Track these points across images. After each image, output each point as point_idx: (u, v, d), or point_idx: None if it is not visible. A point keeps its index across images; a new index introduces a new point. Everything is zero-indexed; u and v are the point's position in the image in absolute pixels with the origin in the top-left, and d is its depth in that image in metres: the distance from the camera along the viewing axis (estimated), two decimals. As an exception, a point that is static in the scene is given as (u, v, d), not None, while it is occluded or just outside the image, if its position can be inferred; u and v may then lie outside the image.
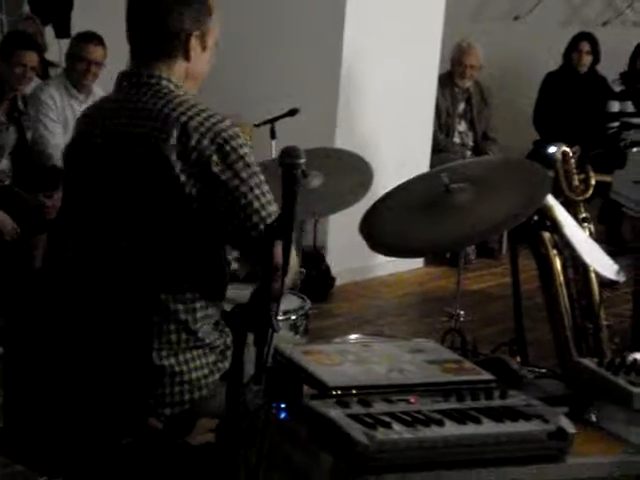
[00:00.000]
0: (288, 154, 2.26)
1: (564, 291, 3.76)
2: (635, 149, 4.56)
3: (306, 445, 2.17)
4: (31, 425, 2.43)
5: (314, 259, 5.86)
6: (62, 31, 6.48)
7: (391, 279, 6.43)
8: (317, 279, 5.82)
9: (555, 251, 3.69)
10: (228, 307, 2.56)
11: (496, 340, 4.41)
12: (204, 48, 2.57)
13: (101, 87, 5.57)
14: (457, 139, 7.17)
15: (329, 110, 6.08)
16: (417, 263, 6.66)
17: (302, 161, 2.27)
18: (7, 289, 4.61)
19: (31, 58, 5.18)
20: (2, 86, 5.12)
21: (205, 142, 2.41)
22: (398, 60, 6.28)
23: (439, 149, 6.91)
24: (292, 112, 5.59)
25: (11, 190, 5.02)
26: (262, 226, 2.41)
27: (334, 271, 6.06)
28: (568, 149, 3.85)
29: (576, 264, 3.79)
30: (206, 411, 2.60)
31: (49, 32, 6.49)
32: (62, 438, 2.38)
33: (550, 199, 3.42)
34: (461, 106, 7.19)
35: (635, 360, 2.41)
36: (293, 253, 2.33)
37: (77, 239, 2.60)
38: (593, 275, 3.77)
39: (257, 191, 2.44)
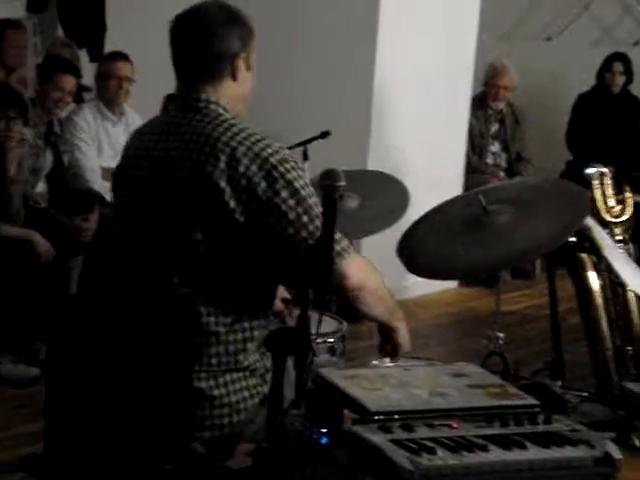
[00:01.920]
0: (328, 176, 2.26)
1: (603, 313, 3.73)
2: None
3: (348, 470, 2.15)
4: (72, 452, 2.42)
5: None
6: (96, 55, 6.54)
7: (424, 300, 6.38)
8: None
9: (593, 272, 3.66)
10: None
11: (532, 362, 4.38)
12: (248, 68, 2.58)
13: (133, 108, 5.61)
14: (490, 160, 7.14)
15: (362, 132, 6.07)
16: (450, 284, 6.62)
17: (342, 184, 2.27)
18: (43, 312, 4.64)
19: (70, 82, 5.22)
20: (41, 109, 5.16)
21: (254, 168, 2.42)
22: (431, 81, 6.27)
23: (472, 170, 6.88)
24: (324, 134, 5.58)
25: (47, 213, 5.04)
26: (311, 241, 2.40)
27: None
28: (606, 170, 3.83)
29: (614, 286, 3.76)
30: (245, 435, 2.60)
31: (83, 56, 6.55)
32: (104, 464, 2.37)
33: (589, 220, 3.40)
34: (494, 127, 7.16)
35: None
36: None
37: (122, 263, 2.60)
38: (632, 297, 3.74)
39: (305, 218, 2.42)
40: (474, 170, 6.91)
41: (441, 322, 6.10)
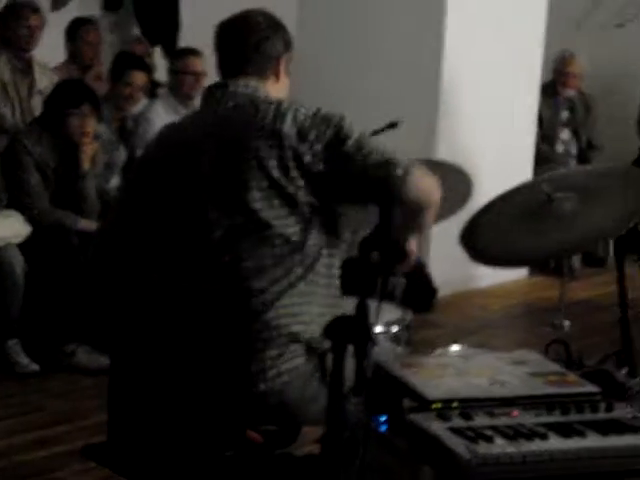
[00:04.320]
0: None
1: (674, 300, 3.68)
2: None
3: (406, 458, 2.17)
4: (135, 438, 2.47)
5: (415, 270, 5.83)
6: (170, 51, 6.61)
7: (494, 290, 6.35)
8: (419, 290, 5.78)
9: (663, 259, 3.61)
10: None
11: (602, 350, 4.34)
12: (287, 73, 2.72)
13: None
14: (560, 148, 7.07)
15: (430, 122, 6.05)
16: (521, 273, 6.57)
17: (399, 173, 2.29)
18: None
19: (140, 78, 5.30)
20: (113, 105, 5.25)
21: (317, 121, 2.51)
22: (499, 69, 6.23)
23: (542, 159, 6.82)
24: (392, 125, 5.56)
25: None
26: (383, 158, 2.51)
27: (436, 282, 6.01)
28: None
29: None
30: (307, 417, 2.61)
31: (157, 53, 6.64)
32: (165, 450, 2.42)
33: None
34: (564, 115, 7.09)
35: None
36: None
37: (165, 252, 2.62)
38: None
39: (373, 144, 2.56)
40: (544, 159, 6.84)
41: (512, 312, 6.07)
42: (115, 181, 5.23)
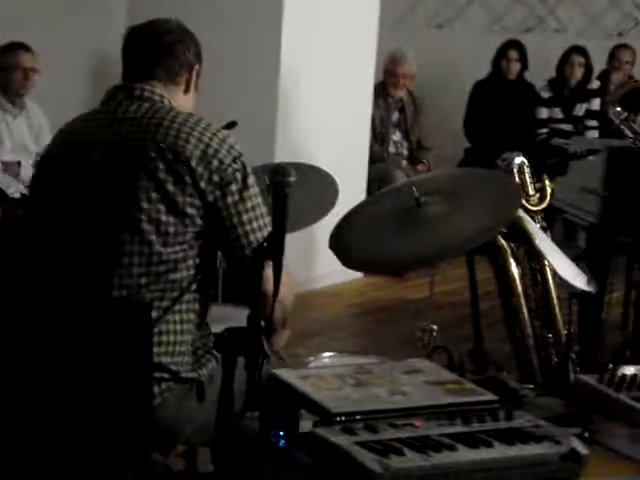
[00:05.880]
0: (278, 172, 2.22)
1: (523, 301, 3.75)
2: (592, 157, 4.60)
3: (311, 475, 2.10)
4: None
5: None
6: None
7: (331, 291, 6.37)
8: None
9: (513, 260, 3.69)
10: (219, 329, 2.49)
11: (448, 347, 4.42)
12: (196, 87, 2.65)
13: (34, 101, 5.43)
14: (392, 149, 7.17)
15: (268, 123, 6.02)
16: (356, 274, 6.61)
17: (293, 179, 2.24)
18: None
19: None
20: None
21: (223, 151, 2.45)
22: (334, 71, 6.26)
23: (375, 159, 6.89)
24: (230, 125, 5.48)
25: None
26: (247, 251, 2.44)
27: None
28: (525, 159, 3.86)
29: (534, 273, 3.80)
30: (183, 437, 2.57)
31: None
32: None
33: (519, 210, 3.41)
34: (395, 115, 7.19)
35: (635, 375, 2.40)
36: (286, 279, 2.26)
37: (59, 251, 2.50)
38: (552, 285, 3.78)
39: (251, 214, 2.47)
40: (377, 159, 6.92)
41: (351, 312, 6.10)
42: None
